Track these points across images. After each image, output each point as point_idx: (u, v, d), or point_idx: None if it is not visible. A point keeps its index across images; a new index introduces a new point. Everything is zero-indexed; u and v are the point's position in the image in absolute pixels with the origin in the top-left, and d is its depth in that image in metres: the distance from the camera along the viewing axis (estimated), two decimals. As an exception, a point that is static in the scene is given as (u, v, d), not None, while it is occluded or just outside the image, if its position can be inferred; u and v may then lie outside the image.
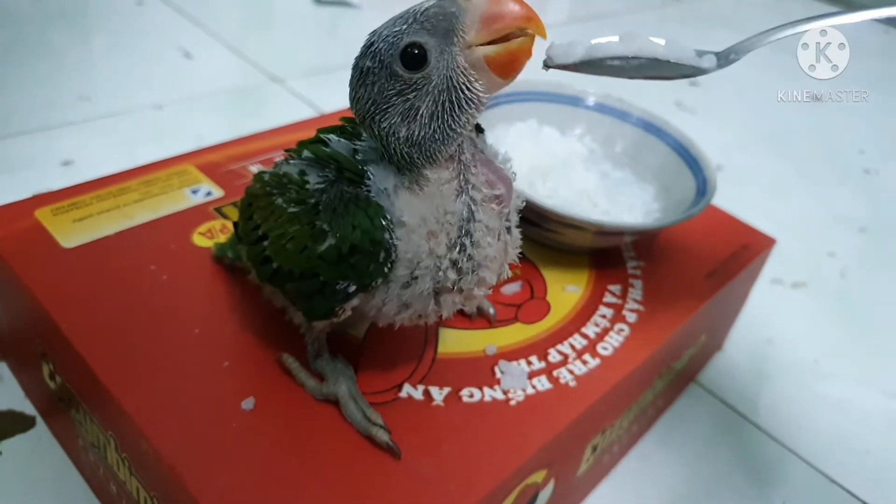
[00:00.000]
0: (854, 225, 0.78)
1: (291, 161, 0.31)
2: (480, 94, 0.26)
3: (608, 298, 0.42)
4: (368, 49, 0.27)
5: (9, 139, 0.64)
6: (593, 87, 0.52)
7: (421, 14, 0.26)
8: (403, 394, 0.33)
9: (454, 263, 0.28)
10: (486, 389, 0.34)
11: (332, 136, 0.30)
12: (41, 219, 0.39)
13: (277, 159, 0.47)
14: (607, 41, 0.28)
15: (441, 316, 0.30)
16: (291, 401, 0.32)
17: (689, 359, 0.47)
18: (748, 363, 0.55)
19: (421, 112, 0.26)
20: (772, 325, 0.59)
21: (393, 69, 0.26)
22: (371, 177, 0.28)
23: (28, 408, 0.41)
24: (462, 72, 0.26)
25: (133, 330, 0.34)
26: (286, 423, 0.31)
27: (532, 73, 0.28)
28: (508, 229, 0.30)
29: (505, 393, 0.34)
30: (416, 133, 0.26)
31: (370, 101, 0.27)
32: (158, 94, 0.75)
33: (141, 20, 0.91)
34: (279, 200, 0.30)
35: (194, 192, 0.43)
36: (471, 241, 0.28)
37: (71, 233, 0.38)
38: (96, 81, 0.76)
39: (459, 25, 0.25)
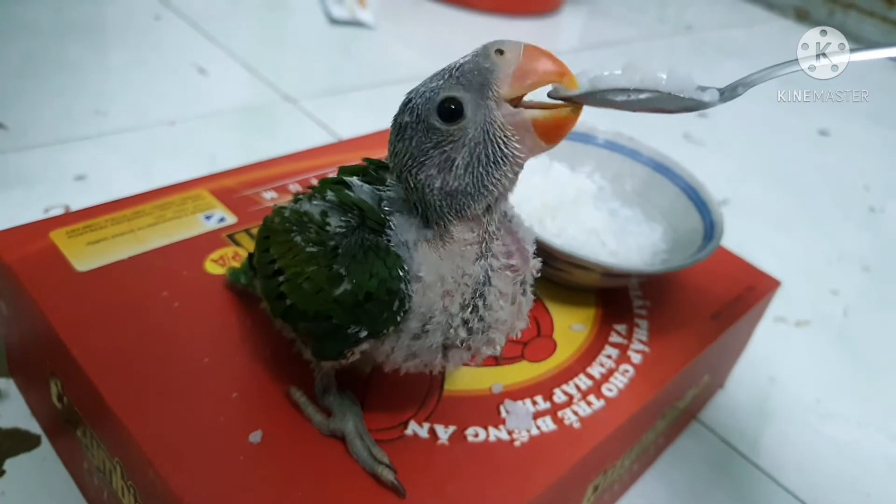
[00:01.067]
0: (858, 263, 0.79)
1: (315, 201, 0.31)
2: (517, 154, 0.27)
3: (614, 338, 0.42)
4: (406, 105, 0.27)
5: (25, 151, 0.65)
6: (604, 123, 0.53)
7: (456, 70, 0.26)
8: (409, 431, 0.34)
9: (465, 322, 0.29)
10: (492, 429, 0.34)
11: (356, 180, 0.31)
12: (56, 240, 0.40)
13: (292, 187, 0.48)
14: (610, 73, 0.28)
15: (446, 368, 0.30)
16: (298, 435, 0.32)
17: (691, 398, 0.47)
18: (750, 402, 0.56)
19: (457, 163, 0.27)
20: (774, 364, 0.60)
21: (430, 122, 0.27)
22: (393, 227, 0.29)
23: (34, 427, 0.41)
24: (499, 127, 0.26)
25: (143, 356, 0.34)
26: (293, 458, 0.31)
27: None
28: (524, 291, 0.31)
29: (510, 433, 0.34)
30: (451, 184, 0.27)
31: (408, 155, 0.27)
32: (172, 111, 0.76)
33: (158, 35, 0.92)
34: (298, 238, 0.30)
35: (208, 217, 0.44)
36: (484, 304, 0.29)
37: (85, 256, 0.39)
38: (112, 95, 0.77)
39: (493, 80, 0.26)
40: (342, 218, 0.29)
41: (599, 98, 0.27)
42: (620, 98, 0.27)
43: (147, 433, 0.30)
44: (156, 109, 0.76)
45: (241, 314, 0.38)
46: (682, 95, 0.28)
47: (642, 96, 0.27)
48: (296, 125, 0.79)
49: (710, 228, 0.45)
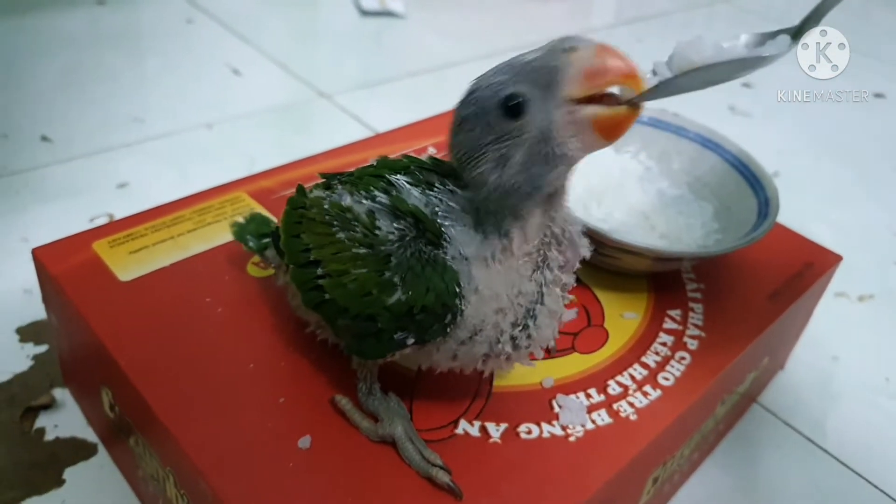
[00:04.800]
0: (922, 231, 0.75)
1: (357, 197, 0.30)
2: (574, 152, 0.26)
3: (668, 324, 0.40)
4: (469, 96, 0.27)
5: (70, 162, 0.66)
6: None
7: (524, 65, 0.25)
8: (459, 430, 0.33)
9: (513, 339, 0.29)
10: (545, 425, 0.33)
11: (402, 181, 0.30)
12: (99, 251, 0.40)
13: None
14: (667, 61, 0.26)
15: (482, 372, 0.31)
16: (348, 439, 0.31)
17: (751, 382, 0.46)
18: (812, 383, 0.53)
19: (512, 161, 0.26)
20: (837, 342, 0.57)
21: (492, 117, 0.26)
22: (448, 240, 0.28)
23: (90, 435, 0.42)
24: (560, 127, 0.25)
25: (189, 364, 0.34)
26: (343, 463, 0.30)
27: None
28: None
29: (564, 428, 0.33)
30: (505, 181, 0.26)
31: (465, 149, 0.27)
32: (208, 113, 0.76)
33: (191, 38, 0.93)
34: (341, 235, 0.29)
35: (247, 220, 0.43)
36: (534, 324, 0.29)
37: (127, 265, 0.39)
38: (149, 102, 0.78)
39: (561, 79, 0.25)
40: (395, 225, 0.29)
41: (666, 89, 0.26)
42: (686, 80, 0.26)
43: (195, 443, 0.30)
44: (192, 113, 0.76)
45: (284, 317, 0.37)
46: (749, 55, 0.26)
47: (709, 70, 0.25)
48: (331, 121, 0.79)
49: (765, 205, 0.43)
